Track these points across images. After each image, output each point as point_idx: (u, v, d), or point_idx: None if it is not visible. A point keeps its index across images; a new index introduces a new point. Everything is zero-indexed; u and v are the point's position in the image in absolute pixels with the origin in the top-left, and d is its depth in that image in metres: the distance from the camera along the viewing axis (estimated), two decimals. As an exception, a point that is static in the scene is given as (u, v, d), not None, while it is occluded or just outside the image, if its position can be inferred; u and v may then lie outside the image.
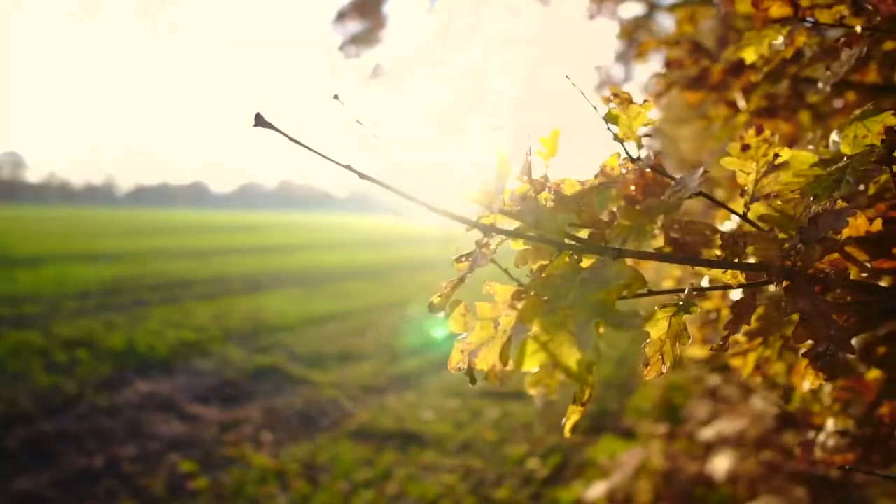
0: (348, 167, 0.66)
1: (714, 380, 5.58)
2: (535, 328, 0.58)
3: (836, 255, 0.81)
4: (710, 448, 5.18)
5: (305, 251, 31.54)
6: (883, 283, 1.24)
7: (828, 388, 2.19)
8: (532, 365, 0.56)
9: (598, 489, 4.59)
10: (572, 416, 0.83)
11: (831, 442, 1.45)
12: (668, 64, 1.97)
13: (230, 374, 8.79)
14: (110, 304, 13.10)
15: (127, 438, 6.54)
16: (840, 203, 0.76)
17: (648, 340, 0.84)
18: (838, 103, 2.11)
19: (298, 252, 30.68)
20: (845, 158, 0.85)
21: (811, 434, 1.55)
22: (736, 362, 1.24)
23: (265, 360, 9.47)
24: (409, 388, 8.53)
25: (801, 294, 0.75)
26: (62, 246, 26.41)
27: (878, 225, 0.87)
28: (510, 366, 0.59)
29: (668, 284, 1.71)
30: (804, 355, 0.75)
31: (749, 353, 1.23)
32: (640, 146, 0.93)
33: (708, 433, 5.00)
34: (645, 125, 0.92)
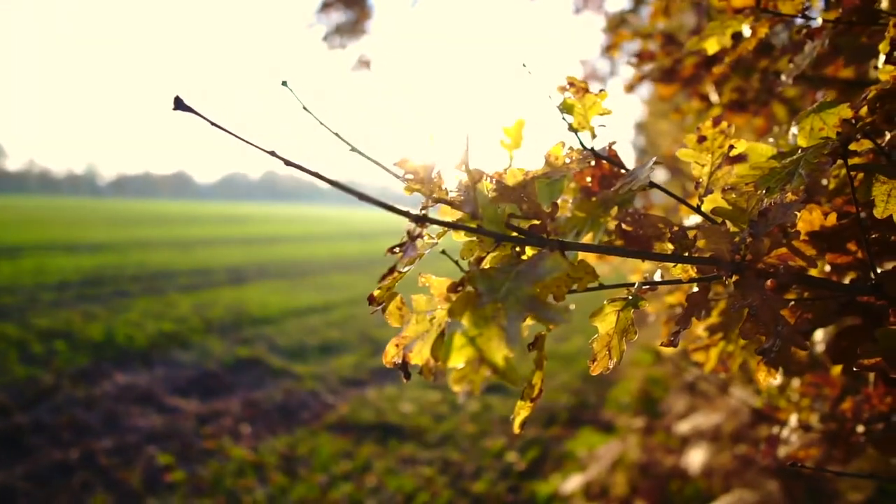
0: (272, 153, 0.63)
1: (692, 374, 5.62)
2: (465, 322, 0.56)
3: (783, 250, 0.79)
4: (686, 441, 5.22)
5: (290, 243, 31.37)
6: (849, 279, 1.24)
7: (796, 383, 2.19)
8: (459, 360, 0.54)
9: (574, 482, 4.60)
10: (521, 413, 0.81)
11: (794, 437, 1.45)
12: (640, 56, 1.95)
13: (210, 366, 8.71)
14: (90, 294, 12.93)
15: (104, 431, 6.46)
16: (790, 196, 0.74)
17: (597, 335, 0.82)
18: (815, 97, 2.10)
19: (283, 243, 30.52)
20: (800, 151, 0.83)
21: (775, 429, 1.55)
22: (698, 357, 1.23)
23: (246, 352, 9.40)
24: (389, 380, 8.51)
25: (750, 289, 0.73)
26: (42, 236, 26.05)
27: (832, 219, 0.85)
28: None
29: (635, 278, 1.70)
30: (756, 352, 0.74)
31: (711, 349, 1.21)
32: (594, 136, 0.91)
33: (684, 427, 5.04)
34: (600, 115, 0.90)
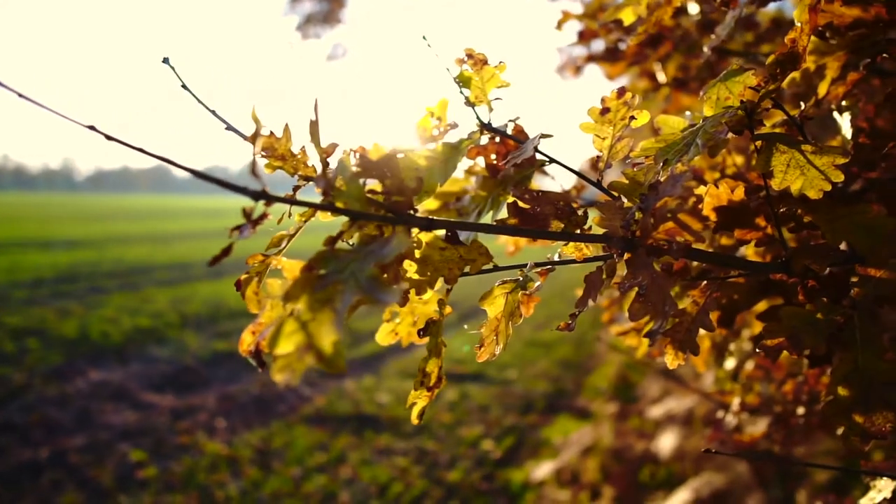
0: (91, 127, 0.58)
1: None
2: (300, 306, 0.52)
3: (671, 224, 0.76)
4: (660, 425, 5.24)
5: (270, 235, 31.14)
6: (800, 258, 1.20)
7: (750, 365, 2.17)
8: (288, 347, 0.50)
9: (544, 469, 4.60)
10: (418, 402, 0.77)
11: (735, 421, 1.43)
12: (581, 35, 1.91)
13: (186, 361, 8.62)
14: (64, 291, 12.74)
15: (76, 429, 6.37)
16: (679, 167, 0.70)
17: (486, 320, 0.78)
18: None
19: (263, 236, 30.30)
20: (702, 121, 0.79)
21: (720, 414, 1.53)
22: (630, 342, 1.20)
23: (223, 346, 9.31)
24: (367, 371, 8.47)
25: (640, 267, 0.69)
26: (15, 233, 25.65)
27: (739, 193, 0.81)
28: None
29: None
30: (643, 335, 0.70)
31: (641, 333, 1.18)
32: (491, 110, 0.86)
33: (657, 411, 5.05)
34: (499, 88, 0.85)
